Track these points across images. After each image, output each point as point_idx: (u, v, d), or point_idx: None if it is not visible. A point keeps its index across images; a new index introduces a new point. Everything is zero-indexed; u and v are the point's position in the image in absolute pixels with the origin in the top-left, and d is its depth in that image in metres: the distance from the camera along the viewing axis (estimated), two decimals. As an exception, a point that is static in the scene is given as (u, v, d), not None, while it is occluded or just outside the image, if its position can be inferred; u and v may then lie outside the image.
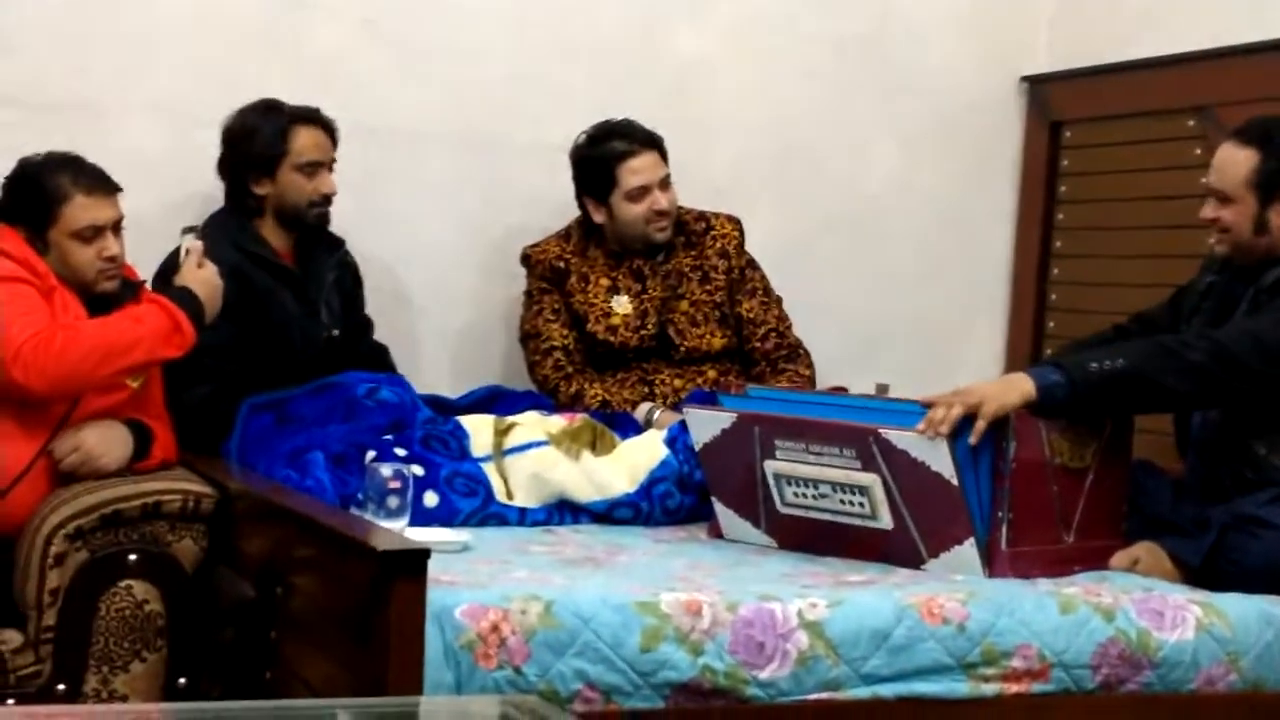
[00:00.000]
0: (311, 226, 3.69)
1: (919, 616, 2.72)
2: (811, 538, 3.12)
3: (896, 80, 4.44)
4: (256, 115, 3.64)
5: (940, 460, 2.91)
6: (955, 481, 2.91)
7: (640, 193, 3.83)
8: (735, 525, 3.23)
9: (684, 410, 3.29)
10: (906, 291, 4.50)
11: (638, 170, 3.83)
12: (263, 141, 3.62)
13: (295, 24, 3.92)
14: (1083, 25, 4.42)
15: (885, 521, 3.02)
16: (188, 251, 3.30)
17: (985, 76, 4.50)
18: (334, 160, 3.70)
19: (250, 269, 3.58)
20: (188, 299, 3.18)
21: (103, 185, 3.23)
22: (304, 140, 3.65)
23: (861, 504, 3.03)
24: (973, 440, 2.91)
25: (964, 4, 4.49)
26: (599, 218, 3.88)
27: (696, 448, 3.25)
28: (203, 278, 3.25)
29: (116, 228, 3.25)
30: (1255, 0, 3.90)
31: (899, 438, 2.94)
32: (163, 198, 3.75)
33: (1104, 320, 3.86)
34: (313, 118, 3.67)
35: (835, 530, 3.08)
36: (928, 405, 2.95)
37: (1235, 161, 3.20)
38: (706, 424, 3.20)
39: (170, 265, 3.42)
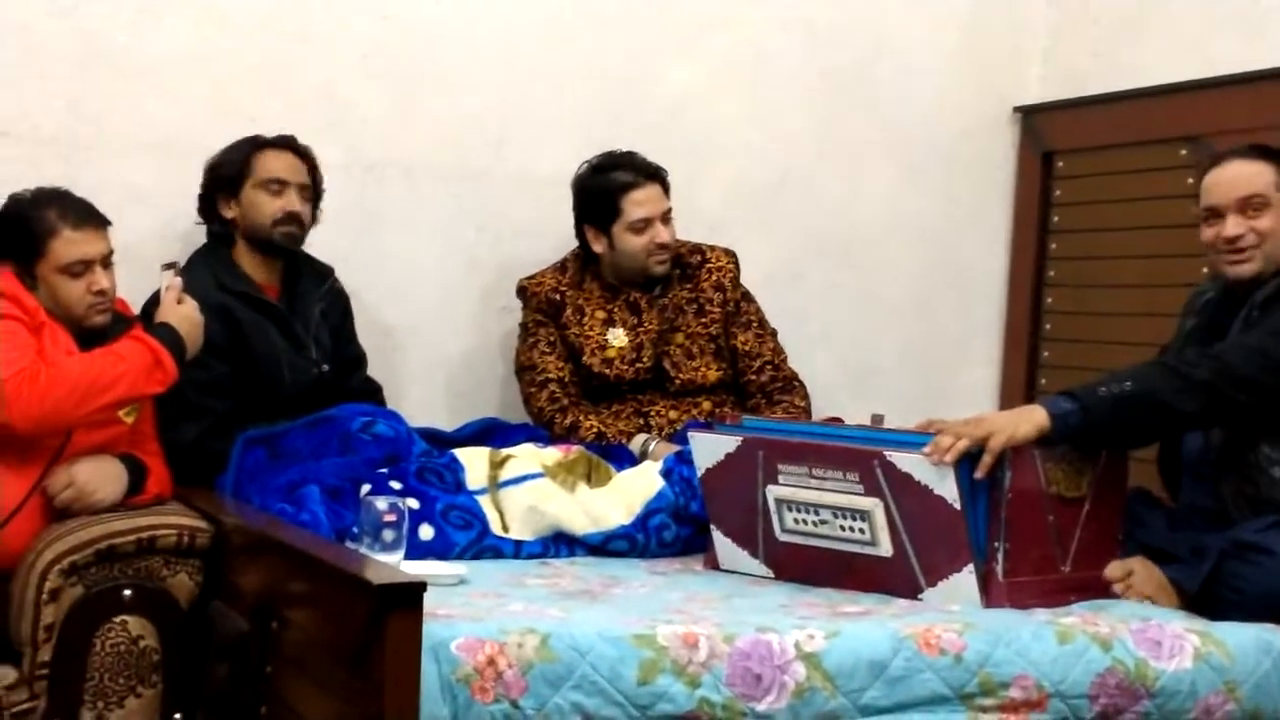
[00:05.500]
0: (284, 250, 3.66)
1: (916, 647, 2.71)
2: (809, 567, 3.11)
3: (889, 110, 4.46)
4: (234, 145, 3.66)
5: (944, 485, 2.91)
6: (959, 506, 2.91)
7: (643, 225, 3.83)
8: (732, 555, 3.23)
9: (688, 434, 3.28)
10: (901, 321, 4.51)
11: (641, 202, 3.83)
12: (229, 164, 3.63)
13: (291, 59, 3.93)
14: (1075, 56, 4.44)
15: (885, 548, 3.01)
16: (168, 288, 3.30)
17: (978, 107, 4.52)
18: (306, 185, 3.67)
19: (235, 306, 3.56)
20: (168, 335, 3.18)
21: (91, 219, 3.23)
22: (270, 161, 3.64)
23: (862, 530, 3.03)
24: (979, 474, 2.90)
25: (956, 35, 4.50)
26: (598, 247, 3.88)
27: (699, 473, 3.24)
28: (183, 314, 3.25)
29: (106, 262, 3.25)
30: (1247, 30, 3.92)
31: (904, 460, 2.94)
32: (157, 231, 3.75)
33: (1098, 349, 3.86)
34: (283, 143, 3.67)
35: (833, 559, 3.08)
36: (935, 433, 2.94)
37: (1256, 171, 3.15)
38: (711, 448, 3.19)
39: (154, 304, 3.42)
